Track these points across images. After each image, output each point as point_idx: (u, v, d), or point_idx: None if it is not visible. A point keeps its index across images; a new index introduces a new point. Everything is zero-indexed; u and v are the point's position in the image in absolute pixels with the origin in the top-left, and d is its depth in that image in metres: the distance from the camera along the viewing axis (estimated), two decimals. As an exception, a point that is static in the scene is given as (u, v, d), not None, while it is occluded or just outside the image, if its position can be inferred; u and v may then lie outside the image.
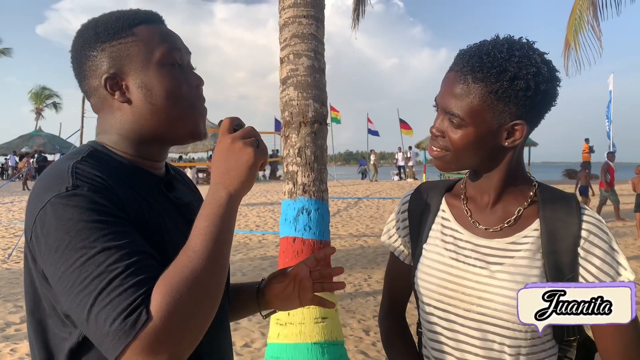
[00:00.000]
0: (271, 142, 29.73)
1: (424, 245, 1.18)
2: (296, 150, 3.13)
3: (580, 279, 1.01)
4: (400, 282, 1.25)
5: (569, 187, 19.73)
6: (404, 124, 24.96)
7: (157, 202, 0.95)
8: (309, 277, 1.19)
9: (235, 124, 0.92)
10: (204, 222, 0.82)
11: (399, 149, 27.49)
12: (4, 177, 28.23)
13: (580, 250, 1.01)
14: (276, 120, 24.18)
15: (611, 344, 1.01)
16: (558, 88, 1.03)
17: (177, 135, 1.00)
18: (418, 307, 1.21)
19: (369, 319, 4.87)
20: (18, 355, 3.97)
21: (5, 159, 30.30)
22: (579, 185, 12.89)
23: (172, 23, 1.05)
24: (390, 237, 1.29)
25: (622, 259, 1.00)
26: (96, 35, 0.96)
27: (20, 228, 10.08)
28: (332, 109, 23.78)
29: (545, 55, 1.01)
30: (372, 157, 26.80)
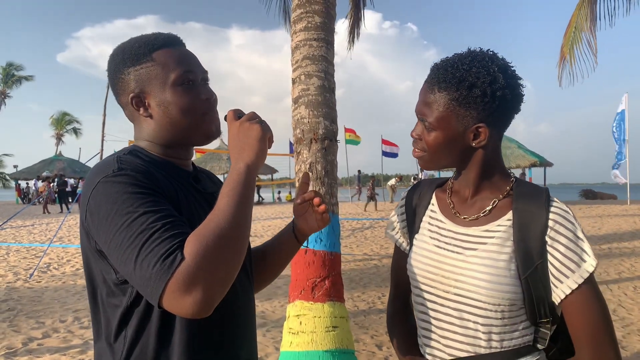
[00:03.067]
0: (286, 164, 30.01)
1: (416, 235, 1.31)
2: (307, 166, 3.27)
3: (548, 264, 1.11)
4: (402, 270, 1.36)
5: (586, 207, 19.58)
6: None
7: (189, 192, 1.12)
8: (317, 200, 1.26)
9: (238, 113, 1.09)
10: (227, 188, 0.97)
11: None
12: (25, 201, 28.82)
13: (547, 238, 1.10)
14: (291, 143, 24.38)
15: (579, 323, 1.08)
16: (519, 93, 1.14)
17: (194, 140, 1.18)
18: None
19: (382, 335, 4.90)
20: (40, 368, 4.10)
21: (27, 183, 31.04)
22: None
23: (190, 49, 1.20)
24: (392, 229, 1.43)
25: (586, 246, 1.09)
26: (123, 61, 1.14)
27: (40, 249, 10.32)
28: (349, 130, 23.86)
29: (509, 65, 1.14)
30: (393, 181, 26.74)
